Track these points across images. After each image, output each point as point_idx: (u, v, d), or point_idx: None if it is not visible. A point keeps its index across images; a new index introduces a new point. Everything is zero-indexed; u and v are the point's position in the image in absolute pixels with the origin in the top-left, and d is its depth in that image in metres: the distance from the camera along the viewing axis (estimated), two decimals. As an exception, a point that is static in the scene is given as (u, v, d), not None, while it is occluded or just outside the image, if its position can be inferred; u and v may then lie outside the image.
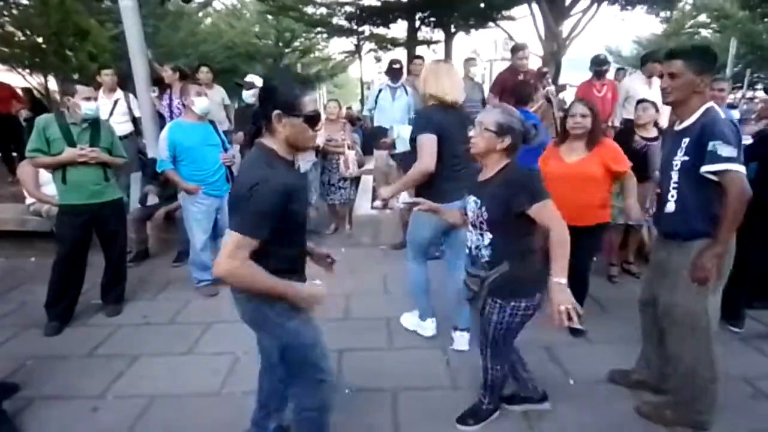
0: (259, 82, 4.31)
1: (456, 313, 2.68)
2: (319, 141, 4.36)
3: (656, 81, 5.06)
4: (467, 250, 1.90)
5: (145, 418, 2.14)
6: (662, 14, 13.77)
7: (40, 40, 10.89)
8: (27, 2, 10.63)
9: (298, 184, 1.45)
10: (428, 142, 2.35)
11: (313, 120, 1.43)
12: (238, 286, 1.43)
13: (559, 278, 1.57)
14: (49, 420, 2.13)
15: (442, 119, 2.38)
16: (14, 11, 11.08)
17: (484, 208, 1.74)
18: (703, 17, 19.55)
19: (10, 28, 11.32)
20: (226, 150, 3.41)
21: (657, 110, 3.49)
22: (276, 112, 1.38)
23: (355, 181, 5.02)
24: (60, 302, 2.95)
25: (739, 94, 12.41)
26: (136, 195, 4.34)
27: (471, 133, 1.78)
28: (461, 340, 2.68)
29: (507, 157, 1.77)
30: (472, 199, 1.83)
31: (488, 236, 1.76)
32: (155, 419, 2.14)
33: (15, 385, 2.29)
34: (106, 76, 4.71)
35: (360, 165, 4.77)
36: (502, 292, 1.76)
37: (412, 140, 2.47)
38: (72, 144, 2.78)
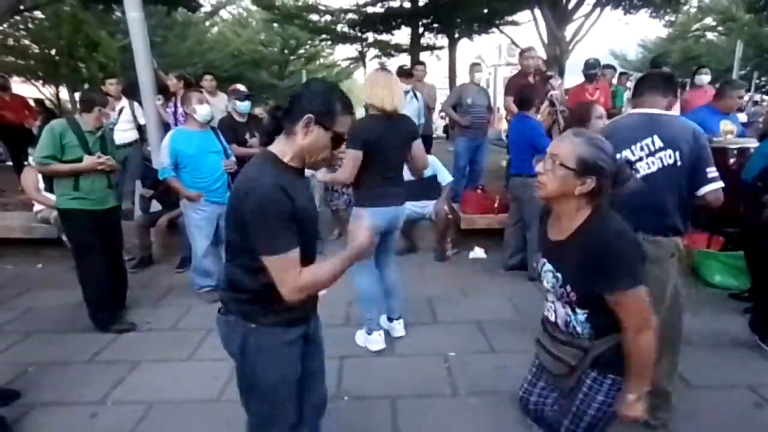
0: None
1: (388, 305, 2.88)
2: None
3: None
4: (548, 323, 1.43)
5: (143, 425, 2.13)
6: (667, 18, 13.71)
7: (53, 52, 11.17)
8: (41, 16, 10.91)
9: (296, 182, 1.30)
10: (351, 158, 2.43)
11: (338, 141, 1.33)
12: (317, 291, 1.32)
13: (634, 394, 1.26)
14: (48, 427, 2.14)
15: (374, 131, 2.45)
16: (30, 25, 11.40)
17: (568, 287, 1.28)
18: (708, 20, 19.46)
19: (26, 42, 11.63)
20: (227, 157, 3.43)
21: None
22: (308, 115, 1.26)
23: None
24: (110, 303, 3.05)
25: (746, 97, 12.30)
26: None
27: (538, 168, 1.30)
28: (399, 328, 2.91)
29: (588, 204, 1.27)
30: (547, 268, 1.35)
31: (582, 312, 1.30)
32: (154, 426, 2.13)
33: (16, 392, 2.31)
34: (111, 85, 4.82)
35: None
36: (615, 365, 1.29)
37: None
38: (88, 152, 2.82)
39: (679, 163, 1.80)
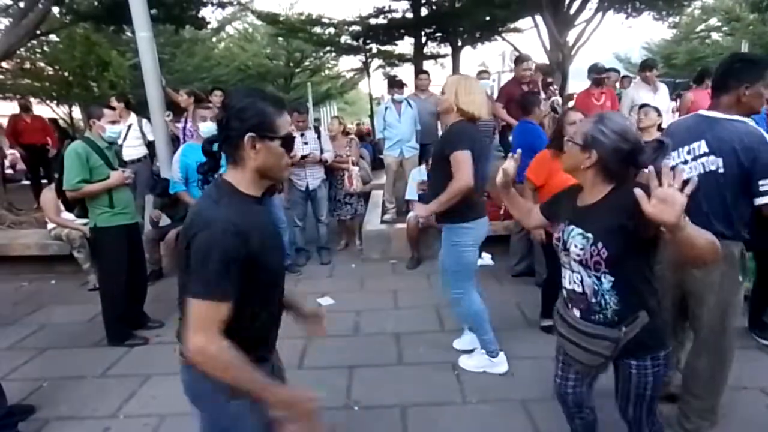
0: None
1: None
2: (329, 156, 4.44)
3: (662, 88, 5.03)
4: (569, 298, 1.48)
5: (155, 438, 2.16)
6: (670, 20, 13.68)
7: (66, 73, 11.49)
8: (56, 39, 11.24)
9: (261, 224, 1.16)
10: (466, 158, 2.30)
11: (289, 143, 1.19)
12: (211, 371, 1.06)
13: None
14: (64, 440, 2.17)
15: (474, 135, 2.38)
16: (45, 48, 11.78)
17: (600, 244, 1.34)
18: (713, 21, 19.36)
19: (41, 64, 12.00)
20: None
21: (659, 114, 3.50)
22: (249, 135, 1.11)
23: (365, 195, 5.06)
24: (128, 319, 3.13)
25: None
26: (150, 216, 4.46)
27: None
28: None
29: (605, 178, 1.39)
30: (576, 232, 1.41)
31: (608, 281, 1.36)
32: (166, 439, 2.16)
33: (31, 407, 2.35)
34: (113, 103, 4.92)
35: (366, 181, 4.81)
36: (650, 346, 1.39)
37: (441, 156, 2.40)
38: (111, 167, 2.88)
39: (721, 170, 1.71)
